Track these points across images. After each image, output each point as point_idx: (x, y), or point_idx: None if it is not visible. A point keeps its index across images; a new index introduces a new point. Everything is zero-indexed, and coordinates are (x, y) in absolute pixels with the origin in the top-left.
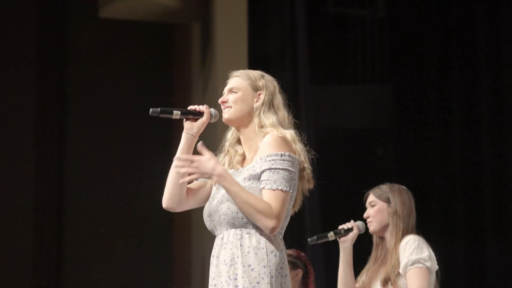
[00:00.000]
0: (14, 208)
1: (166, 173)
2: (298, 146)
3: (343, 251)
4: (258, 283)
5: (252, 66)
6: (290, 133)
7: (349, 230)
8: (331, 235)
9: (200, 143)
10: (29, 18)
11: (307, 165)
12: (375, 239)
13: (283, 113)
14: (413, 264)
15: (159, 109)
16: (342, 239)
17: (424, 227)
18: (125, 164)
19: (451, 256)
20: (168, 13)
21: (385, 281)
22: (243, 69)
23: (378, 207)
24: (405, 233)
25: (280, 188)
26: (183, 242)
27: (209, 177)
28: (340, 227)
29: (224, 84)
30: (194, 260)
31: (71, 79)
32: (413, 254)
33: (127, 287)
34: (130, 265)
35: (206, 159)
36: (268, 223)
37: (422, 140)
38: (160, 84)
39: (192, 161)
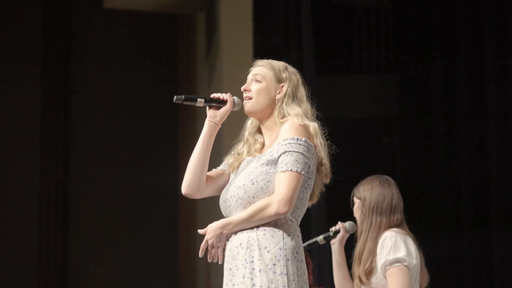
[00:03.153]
0: (19, 201)
1: (171, 165)
2: (319, 141)
3: (333, 253)
4: (274, 265)
5: (257, 56)
6: (313, 126)
7: (337, 232)
8: (320, 240)
9: (198, 230)
10: (34, 9)
11: (325, 160)
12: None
13: (306, 105)
14: (391, 264)
15: (183, 96)
16: (332, 241)
17: (429, 218)
18: (131, 156)
19: (457, 248)
20: (172, 3)
21: (360, 279)
22: (248, 59)
23: (356, 206)
24: (382, 228)
25: (290, 169)
26: (188, 233)
27: (221, 238)
28: (330, 230)
29: (247, 72)
30: (199, 251)
31: (76, 70)
32: (390, 254)
33: (132, 278)
34: (135, 256)
35: (208, 233)
36: (273, 209)
37: (428, 129)
38: (165, 75)
39: (206, 243)
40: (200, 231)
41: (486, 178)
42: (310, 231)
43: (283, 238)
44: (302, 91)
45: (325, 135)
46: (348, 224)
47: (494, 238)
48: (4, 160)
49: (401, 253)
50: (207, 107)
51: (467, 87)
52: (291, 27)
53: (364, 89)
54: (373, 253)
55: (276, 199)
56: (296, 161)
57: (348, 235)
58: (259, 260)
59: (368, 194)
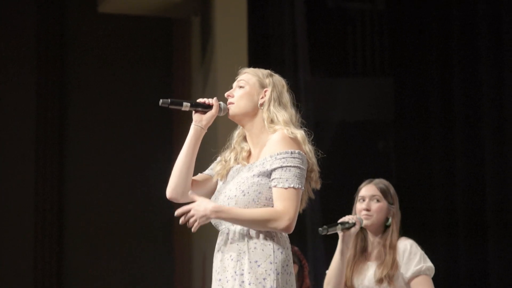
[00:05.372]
0: (14, 206)
1: (166, 169)
2: (308, 147)
3: (345, 245)
4: (264, 279)
5: (252, 60)
6: (300, 133)
7: (353, 224)
8: (339, 227)
9: (190, 192)
10: (28, 14)
11: (315, 166)
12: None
13: (291, 111)
14: (424, 273)
15: (169, 100)
16: (346, 233)
17: (424, 223)
18: (125, 161)
19: (452, 253)
20: (167, 8)
21: (381, 280)
22: (243, 63)
23: (382, 205)
24: (399, 234)
25: (292, 185)
26: (183, 237)
27: (208, 219)
28: (345, 219)
29: (234, 80)
30: (195, 256)
31: (70, 75)
32: (421, 262)
33: (127, 284)
34: (130, 261)
35: (198, 204)
36: (280, 225)
37: (423, 133)
38: (160, 79)
39: (188, 211)
40: (193, 196)
41: (482, 182)
42: (305, 234)
43: (274, 251)
44: (286, 97)
45: (311, 141)
46: (361, 218)
47: (490, 244)
48: None
49: (430, 263)
50: (193, 112)
51: (462, 91)
52: (285, 31)
53: (359, 93)
54: (394, 256)
55: (287, 217)
56: (296, 176)
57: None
58: (249, 273)
59: (394, 200)
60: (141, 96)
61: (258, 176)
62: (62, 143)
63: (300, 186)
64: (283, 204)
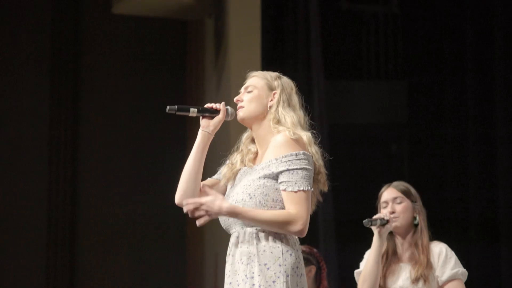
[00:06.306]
0: (28, 206)
1: (180, 170)
2: (314, 149)
3: (381, 242)
4: (274, 282)
5: (265, 62)
6: (306, 135)
7: (387, 221)
8: (378, 222)
9: (202, 184)
10: (43, 15)
11: (322, 169)
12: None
13: (300, 113)
14: (459, 277)
15: (176, 106)
16: (382, 230)
17: (437, 225)
18: (139, 163)
19: (465, 254)
20: (181, 9)
21: (417, 279)
22: (257, 66)
23: (406, 205)
24: (428, 238)
25: (302, 188)
26: (196, 239)
27: (218, 215)
28: (380, 215)
29: (243, 84)
30: (207, 257)
31: (84, 76)
32: (457, 266)
33: (140, 284)
34: (143, 262)
35: (212, 200)
36: (295, 229)
37: (436, 136)
38: (173, 81)
39: (201, 204)
40: (207, 190)
41: (495, 185)
42: (318, 235)
43: (283, 253)
44: (295, 99)
45: (319, 143)
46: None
47: (502, 245)
48: (13, 166)
49: (464, 268)
50: (201, 117)
51: (476, 94)
52: (299, 33)
53: (373, 96)
54: (428, 256)
55: (301, 221)
56: (304, 178)
57: None
58: (259, 276)
59: (418, 199)
60: (155, 98)
61: (264, 178)
62: (75, 143)
63: (309, 188)
64: (296, 208)
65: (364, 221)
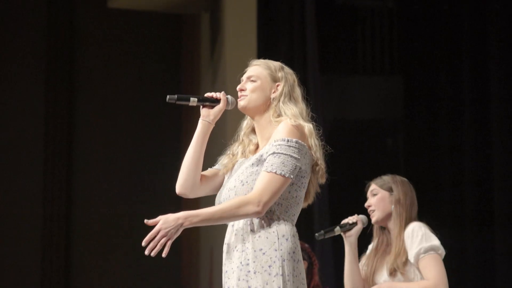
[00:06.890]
0: (23, 204)
1: (174, 166)
2: (314, 141)
3: (349, 246)
4: (269, 266)
5: (261, 57)
6: (308, 127)
7: (354, 224)
8: (337, 230)
9: (145, 221)
10: (38, 10)
11: (321, 161)
12: (375, 230)
13: (302, 105)
14: (426, 251)
15: (176, 96)
16: (347, 234)
17: (433, 218)
18: (134, 158)
19: (460, 247)
20: (177, 4)
21: (393, 271)
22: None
23: (380, 196)
24: (408, 221)
25: (274, 171)
26: (191, 233)
27: (178, 230)
28: (345, 221)
29: (243, 72)
30: (202, 249)
31: (79, 70)
32: (423, 242)
33: (135, 279)
34: (137, 256)
35: (164, 219)
36: (251, 209)
37: (432, 130)
38: (169, 75)
39: (156, 233)
40: (148, 221)
41: (490, 178)
42: (313, 231)
43: (278, 238)
44: (298, 92)
45: (320, 136)
46: (363, 217)
47: (496, 238)
48: (8, 164)
49: (435, 241)
50: (201, 106)
51: (472, 89)
52: (295, 28)
53: (369, 90)
54: (403, 244)
55: (256, 200)
56: (283, 163)
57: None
58: (254, 262)
59: (395, 187)
60: (150, 92)
61: (257, 165)
62: (70, 137)
63: (283, 173)
64: (257, 187)
65: (316, 234)
